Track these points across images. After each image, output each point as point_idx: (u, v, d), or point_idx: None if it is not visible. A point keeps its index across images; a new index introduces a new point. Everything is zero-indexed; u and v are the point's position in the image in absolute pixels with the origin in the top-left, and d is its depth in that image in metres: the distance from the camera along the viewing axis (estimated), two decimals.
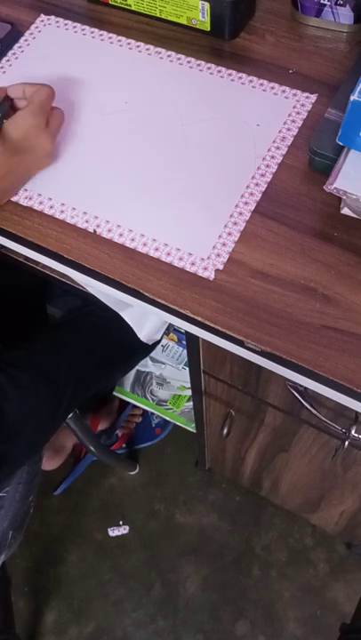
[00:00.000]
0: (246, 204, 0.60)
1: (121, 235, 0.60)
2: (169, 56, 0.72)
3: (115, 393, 1.33)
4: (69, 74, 0.72)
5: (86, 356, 0.89)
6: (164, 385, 1.30)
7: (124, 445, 1.40)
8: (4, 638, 1.08)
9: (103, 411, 1.38)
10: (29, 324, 1.08)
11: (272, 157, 0.63)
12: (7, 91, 0.63)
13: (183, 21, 0.73)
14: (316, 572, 1.29)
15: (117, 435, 1.39)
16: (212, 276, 0.56)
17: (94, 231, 0.60)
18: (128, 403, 1.36)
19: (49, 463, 1.35)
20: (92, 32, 0.75)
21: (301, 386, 0.58)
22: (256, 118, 0.65)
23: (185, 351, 1.09)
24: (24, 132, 0.59)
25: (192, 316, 0.55)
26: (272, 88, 0.68)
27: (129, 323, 0.79)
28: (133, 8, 0.75)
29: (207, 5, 0.69)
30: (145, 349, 1.06)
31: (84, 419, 1.27)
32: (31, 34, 0.76)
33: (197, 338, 0.64)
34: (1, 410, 0.76)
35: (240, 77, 0.69)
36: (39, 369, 0.82)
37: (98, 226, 0.60)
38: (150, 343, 0.86)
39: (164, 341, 1.24)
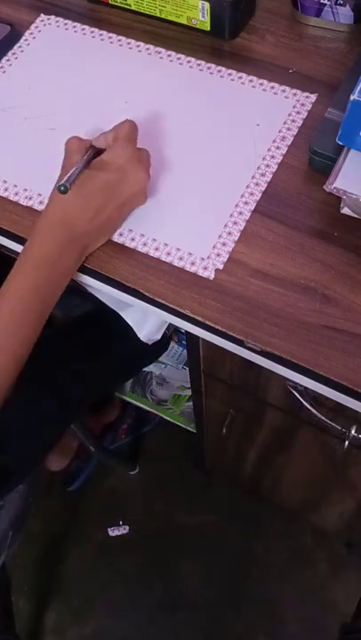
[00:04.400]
0: (246, 203, 0.60)
1: (121, 234, 0.60)
2: (169, 56, 0.72)
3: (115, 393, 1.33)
4: (69, 74, 0.72)
5: (92, 364, 0.89)
6: (164, 385, 1.30)
7: (123, 436, 1.40)
8: (3, 638, 1.08)
9: (107, 406, 1.38)
10: None
11: (272, 157, 0.63)
12: (92, 142, 0.60)
13: (183, 21, 0.73)
14: (316, 572, 1.29)
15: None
16: (212, 276, 0.56)
17: None
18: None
19: (57, 464, 1.35)
20: (92, 32, 0.75)
21: (301, 386, 0.58)
22: (256, 118, 0.65)
23: (185, 351, 1.09)
24: (116, 166, 0.56)
25: (192, 315, 0.55)
26: (272, 88, 0.68)
27: (129, 322, 0.79)
28: (133, 8, 0.75)
29: (207, 5, 0.69)
30: (150, 355, 1.06)
31: (86, 418, 1.28)
32: (31, 34, 0.76)
33: (197, 338, 0.64)
34: (5, 423, 0.76)
35: (240, 77, 0.69)
36: (44, 380, 0.82)
37: None
38: (150, 343, 0.86)
39: None
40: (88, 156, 0.57)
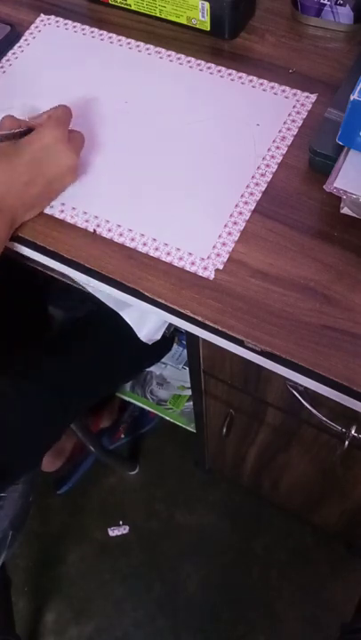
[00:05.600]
0: (246, 203, 0.60)
1: (121, 234, 0.60)
2: (169, 56, 0.72)
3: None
4: (69, 73, 0.72)
5: (92, 365, 0.89)
6: (164, 385, 1.30)
7: (122, 436, 1.40)
8: (4, 638, 1.08)
9: (105, 410, 1.38)
10: (32, 324, 1.08)
11: (272, 157, 0.63)
12: (30, 123, 0.62)
13: (183, 21, 0.73)
14: (316, 572, 1.29)
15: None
16: (211, 276, 0.56)
17: (94, 231, 0.60)
18: (129, 402, 1.36)
19: (51, 465, 1.35)
20: (92, 32, 0.75)
21: (301, 386, 0.58)
22: (256, 118, 0.65)
23: (185, 351, 1.09)
24: (43, 143, 0.58)
25: (192, 315, 0.55)
26: (272, 88, 0.68)
27: (129, 322, 0.79)
28: (133, 8, 0.75)
29: (207, 5, 0.69)
30: (151, 357, 1.06)
31: (85, 418, 1.28)
32: (31, 33, 0.76)
33: (197, 338, 0.64)
34: (5, 422, 0.76)
35: (240, 77, 0.69)
36: (45, 379, 0.82)
37: (98, 225, 0.60)
38: (150, 343, 0.86)
39: None
40: (9, 133, 0.60)
